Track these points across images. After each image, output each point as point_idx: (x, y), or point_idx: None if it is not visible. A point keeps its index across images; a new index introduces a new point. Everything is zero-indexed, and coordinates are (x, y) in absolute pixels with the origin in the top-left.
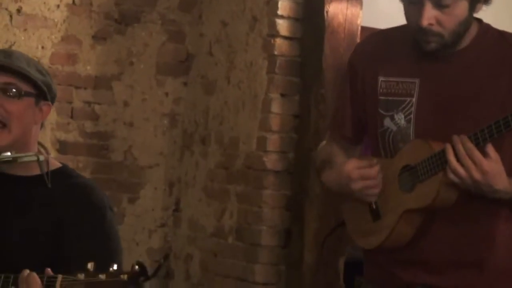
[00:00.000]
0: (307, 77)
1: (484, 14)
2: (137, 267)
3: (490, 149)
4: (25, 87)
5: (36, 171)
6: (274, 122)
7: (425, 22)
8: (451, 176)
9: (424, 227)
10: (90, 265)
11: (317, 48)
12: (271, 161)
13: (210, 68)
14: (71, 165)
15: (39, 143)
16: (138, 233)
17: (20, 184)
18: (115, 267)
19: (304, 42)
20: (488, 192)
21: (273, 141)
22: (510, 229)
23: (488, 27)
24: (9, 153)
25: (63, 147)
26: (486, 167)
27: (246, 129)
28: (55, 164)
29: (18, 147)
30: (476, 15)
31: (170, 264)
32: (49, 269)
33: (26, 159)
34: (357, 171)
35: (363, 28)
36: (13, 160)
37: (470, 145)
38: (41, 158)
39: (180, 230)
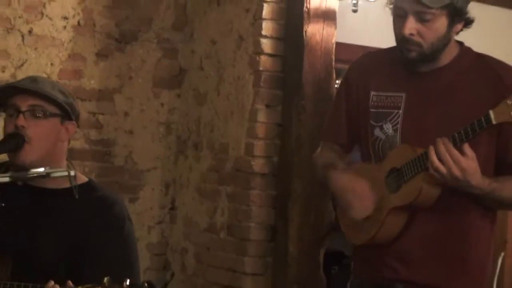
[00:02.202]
0: (288, 90)
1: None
2: (146, 284)
3: (467, 148)
4: (50, 109)
5: (64, 185)
6: (260, 130)
7: (407, 31)
8: (433, 172)
9: (407, 225)
10: (106, 280)
11: (297, 64)
12: (258, 164)
13: (201, 82)
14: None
15: (67, 159)
16: (138, 229)
17: (50, 196)
18: (127, 282)
19: (286, 59)
20: (464, 187)
21: (259, 146)
22: (484, 225)
23: (468, 49)
24: (42, 169)
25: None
26: (464, 164)
27: (235, 136)
28: (82, 178)
29: (47, 163)
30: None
31: (167, 257)
32: (69, 281)
33: (58, 174)
34: (361, 198)
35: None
36: (46, 175)
37: (450, 145)
38: (72, 173)
39: (176, 226)
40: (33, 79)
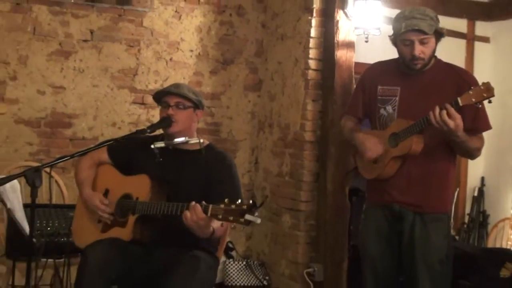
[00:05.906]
0: (326, 91)
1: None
2: (251, 201)
3: (456, 112)
4: (187, 103)
5: (195, 147)
6: (309, 115)
7: (417, 52)
8: (440, 124)
9: (401, 167)
10: (226, 200)
11: (331, 75)
12: (308, 136)
13: (272, 87)
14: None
15: (197, 133)
16: None
17: (188, 155)
18: (239, 201)
19: (324, 72)
20: (452, 135)
21: (308, 125)
22: (449, 167)
23: (439, 59)
24: (183, 138)
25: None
26: (459, 121)
27: (293, 119)
28: (205, 142)
29: (186, 134)
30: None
31: (254, 192)
32: (203, 201)
33: (193, 141)
34: (374, 146)
35: (354, 63)
36: (186, 142)
37: (453, 109)
38: (201, 140)
39: (258, 173)
40: (177, 85)
